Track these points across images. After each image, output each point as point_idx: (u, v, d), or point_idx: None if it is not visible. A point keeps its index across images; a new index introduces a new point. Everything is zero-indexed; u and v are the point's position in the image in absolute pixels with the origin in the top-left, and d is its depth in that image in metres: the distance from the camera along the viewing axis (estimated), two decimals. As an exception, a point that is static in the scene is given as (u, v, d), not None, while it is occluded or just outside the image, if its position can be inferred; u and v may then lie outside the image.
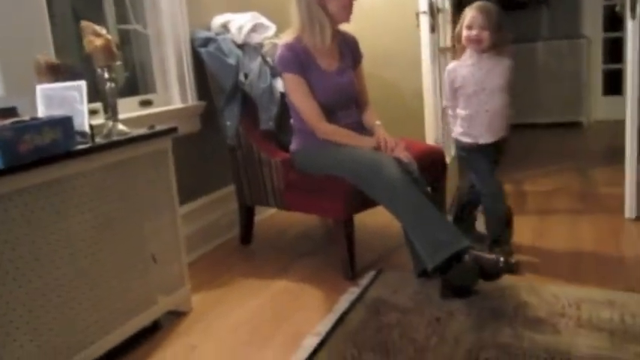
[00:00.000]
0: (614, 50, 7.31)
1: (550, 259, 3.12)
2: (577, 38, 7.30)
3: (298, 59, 2.99)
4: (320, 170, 3.03)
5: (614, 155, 5.06)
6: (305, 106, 3.01)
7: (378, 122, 3.14)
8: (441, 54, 3.97)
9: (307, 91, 3.00)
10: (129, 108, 3.08)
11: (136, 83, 3.46)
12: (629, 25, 3.48)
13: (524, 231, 3.54)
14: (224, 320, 2.72)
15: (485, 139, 3.04)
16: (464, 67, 3.02)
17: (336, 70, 3.11)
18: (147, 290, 2.54)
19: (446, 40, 4.25)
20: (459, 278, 2.66)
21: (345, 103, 3.14)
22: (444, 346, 2.29)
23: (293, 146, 3.20)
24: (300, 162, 3.14)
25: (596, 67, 7.42)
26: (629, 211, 3.68)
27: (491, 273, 2.63)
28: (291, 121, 3.19)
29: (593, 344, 2.23)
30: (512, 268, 2.64)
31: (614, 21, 7.17)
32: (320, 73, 3.04)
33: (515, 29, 7.61)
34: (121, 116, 2.49)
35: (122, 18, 3.36)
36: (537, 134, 7.02)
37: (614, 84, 7.38)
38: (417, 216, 2.71)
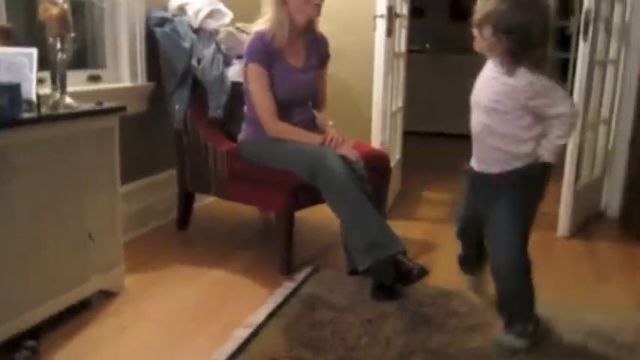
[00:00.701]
0: (560, 70, 7.33)
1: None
2: None
3: (267, 50, 2.99)
4: (266, 162, 3.04)
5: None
6: (262, 99, 3.01)
7: (330, 123, 3.16)
8: (394, 58, 4.01)
9: (267, 84, 3.01)
10: (76, 81, 3.00)
11: (86, 57, 3.38)
12: (581, 46, 3.56)
13: None
14: (156, 304, 2.70)
15: (472, 161, 2.49)
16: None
17: (300, 67, 3.12)
18: (80, 267, 2.51)
19: (400, 46, 4.31)
20: (375, 275, 2.71)
21: (303, 100, 3.17)
22: (375, 348, 2.32)
23: (242, 136, 3.20)
24: (247, 152, 3.14)
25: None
26: (562, 230, 3.78)
27: (405, 278, 2.69)
28: (244, 109, 3.19)
29: (521, 356, 2.28)
30: (425, 275, 2.69)
31: (563, 42, 7.27)
32: (286, 68, 3.05)
33: (463, 39, 7.73)
34: (68, 89, 2.45)
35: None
36: None
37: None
38: (355, 214, 2.74)
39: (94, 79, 3.24)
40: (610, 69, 4.09)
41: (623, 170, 4.15)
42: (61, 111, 2.32)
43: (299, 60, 3.12)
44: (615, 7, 3.97)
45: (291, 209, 3.01)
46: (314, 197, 2.94)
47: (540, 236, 3.70)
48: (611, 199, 4.26)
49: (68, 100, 2.39)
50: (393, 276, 2.70)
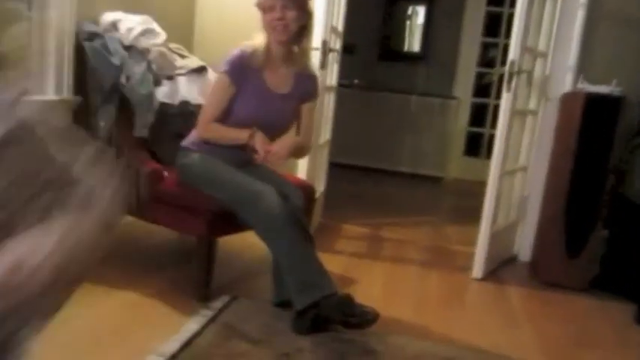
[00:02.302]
0: (479, 115, 7.61)
1: (398, 310, 3.15)
2: (449, 98, 7.52)
3: (242, 66, 2.85)
4: (195, 182, 2.91)
5: (467, 214, 5.26)
6: (210, 105, 2.90)
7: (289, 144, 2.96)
8: (325, 92, 3.99)
9: (225, 98, 2.86)
10: (-4, 91, 2.84)
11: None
12: (504, 95, 3.63)
13: (376, 279, 3.58)
14: (62, 326, 2.45)
15: None
16: None
17: (281, 94, 2.97)
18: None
19: (332, 80, 4.31)
20: (326, 311, 2.63)
21: (270, 126, 2.92)
22: (289, 384, 2.24)
23: (186, 141, 3.02)
24: (182, 163, 2.98)
25: (461, 127, 7.64)
26: (476, 272, 3.77)
27: (355, 322, 2.63)
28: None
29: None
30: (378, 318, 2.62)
31: (482, 88, 7.51)
32: (259, 88, 2.90)
33: (391, 79, 7.96)
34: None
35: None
36: (399, 183, 7.17)
37: (474, 146, 7.70)
38: (293, 254, 2.67)
39: (16, 89, 3.07)
40: (529, 119, 4.19)
41: (537, 216, 4.20)
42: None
43: (281, 87, 2.97)
44: (537, 61, 4.10)
45: (213, 235, 2.91)
46: (238, 225, 2.85)
47: (456, 277, 3.80)
48: (524, 244, 4.31)
49: (-14, 111, 2.23)
50: (339, 318, 2.64)
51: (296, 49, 2.97)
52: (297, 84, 3.02)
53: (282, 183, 2.89)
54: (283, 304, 2.81)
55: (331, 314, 2.63)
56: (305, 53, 3.01)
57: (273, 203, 2.65)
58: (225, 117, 2.89)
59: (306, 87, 3.07)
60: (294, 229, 2.66)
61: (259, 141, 2.78)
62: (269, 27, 2.85)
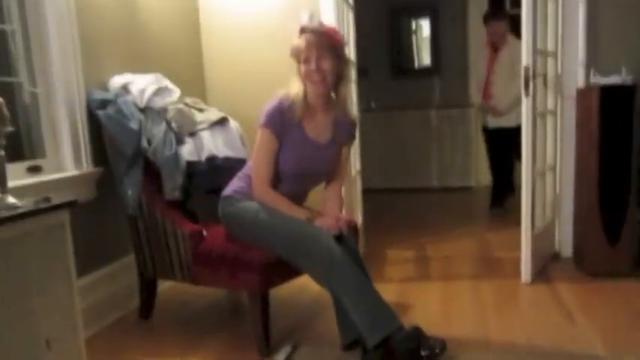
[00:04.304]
0: None
1: (459, 327, 3.04)
2: (466, 106, 7.39)
3: (282, 118, 2.71)
4: (247, 229, 2.75)
5: (503, 219, 5.30)
6: (261, 164, 2.74)
7: (337, 206, 2.92)
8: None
9: (272, 153, 2.74)
10: (14, 175, 2.61)
11: (21, 146, 2.97)
12: (524, 101, 3.58)
13: (430, 300, 3.46)
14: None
15: None
16: None
17: (325, 142, 2.85)
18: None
19: (353, 110, 4.09)
20: (397, 345, 2.46)
21: (315, 175, 2.90)
22: None
23: (228, 190, 2.86)
24: (227, 212, 2.81)
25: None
26: (525, 276, 3.70)
27: (425, 355, 2.47)
28: (245, 166, 2.94)
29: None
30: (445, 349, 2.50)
31: None
32: (302, 139, 2.78)
33: (405, 96, 7.83)
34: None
35: (3, 68, 2.90)
36: (431, 199, 7.06)
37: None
38: (359, 293, 2.53)
39: (35, 170, 2.86)
40: (550, 119, 4.14)
41: (572, 211, 4.15)
42: (4, 214, 1.91)
43: (323, 135, 2.85)
44: (548, 62, 4.07)
45: (266, 288, 2.72)
46: (289, 273, 2.72)
47: (507, 284, 3.70)
48: (564, 239, 4.24)
49: (11, 199, 2.00)
50: (410, 351, 2.49)
51: (334, 95, 2.85)
52: (336, 130, 2.89)
53: None
54: (352, 345, 2.65)
55: (402, 348, 2.47)
56: (343, 99, 2.88)
57: (332, 246, 2.53)
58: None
59: (345, 132, 2.94)
60: (355, 269, 2.55)
61: (322, 223, 2.66)
62: (306, 78, 2.73)
